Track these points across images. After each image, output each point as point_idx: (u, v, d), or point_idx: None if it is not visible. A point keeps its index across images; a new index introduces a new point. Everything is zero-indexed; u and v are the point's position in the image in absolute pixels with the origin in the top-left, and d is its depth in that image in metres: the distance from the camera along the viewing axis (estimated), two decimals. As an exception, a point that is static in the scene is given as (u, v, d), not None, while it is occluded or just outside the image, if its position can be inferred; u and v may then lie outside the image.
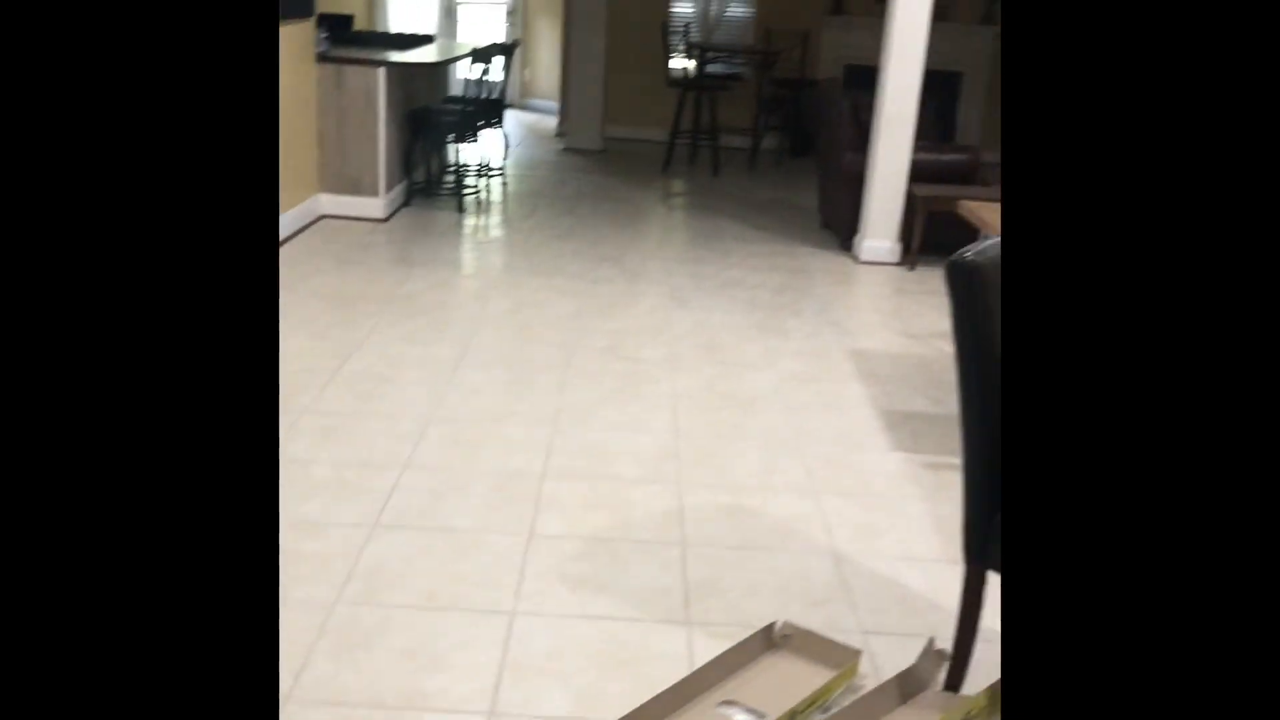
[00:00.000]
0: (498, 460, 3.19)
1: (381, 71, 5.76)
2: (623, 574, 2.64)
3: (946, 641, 2.42)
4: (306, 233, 5.59)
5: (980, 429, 2.09)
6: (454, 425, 3.41)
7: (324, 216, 5.92)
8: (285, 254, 5.17)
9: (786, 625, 2.40)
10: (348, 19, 7.60)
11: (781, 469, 3.28)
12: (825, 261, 5.81)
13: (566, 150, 8.71)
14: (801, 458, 3.37)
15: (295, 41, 5.42)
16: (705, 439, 3.45)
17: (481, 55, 6.31)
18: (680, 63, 9.11)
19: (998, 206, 4.27)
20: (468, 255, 5.45)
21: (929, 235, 5.79)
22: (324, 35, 5.96)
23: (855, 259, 5.87)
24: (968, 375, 2.09)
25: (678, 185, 7.67)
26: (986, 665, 2.36)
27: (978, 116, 9.72)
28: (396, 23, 10.88)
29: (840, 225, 6.18)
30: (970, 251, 2.09)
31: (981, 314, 2.05)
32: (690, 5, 9.43)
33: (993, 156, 9.55)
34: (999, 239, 2.20)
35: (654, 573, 2.65)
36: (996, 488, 2.11)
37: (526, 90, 11.14)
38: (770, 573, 2.69)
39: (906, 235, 5.84)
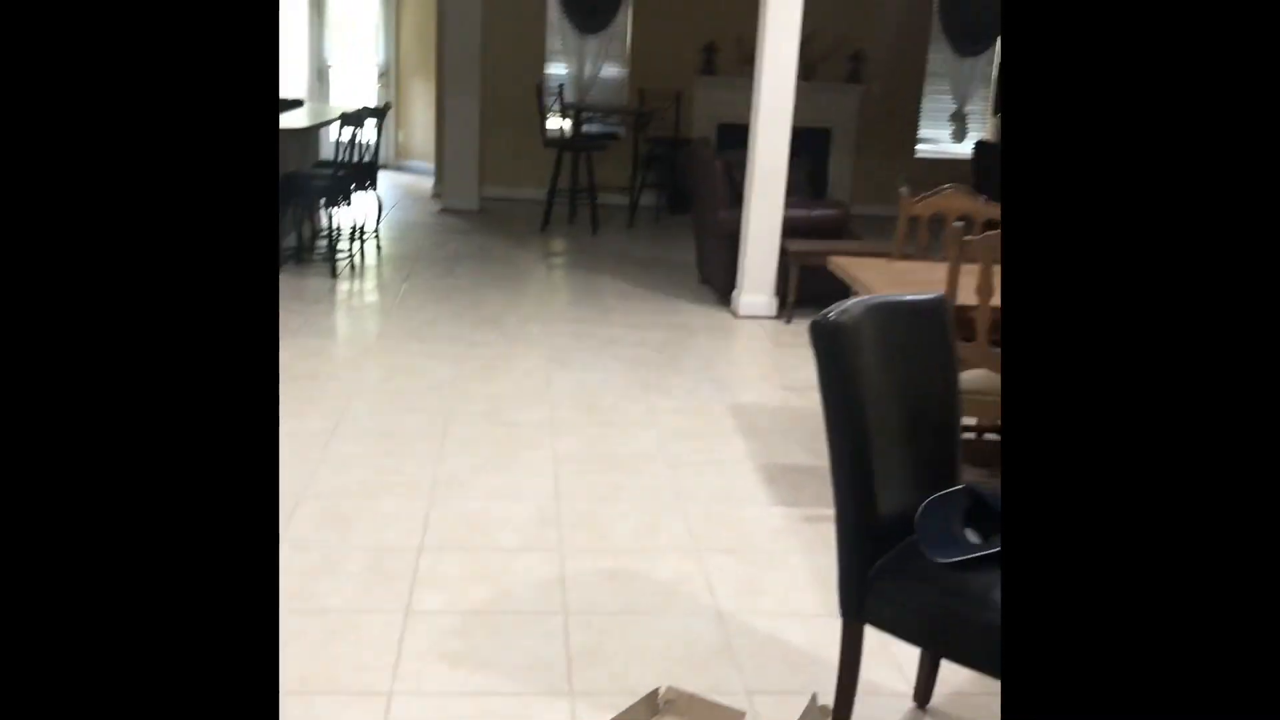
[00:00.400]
0: (372, 536, 3.10)
1: (248, 137, 5.64)
2: (504, 647, 2.58)
3: (829, 696, 2.42)
4: (172, 303, 5.40)
5: (851, 485, 2.12)
6: (326, 501, 3.31)
7: (191, 286, 5.74)
8: (149, 326, 4.99)
9: (670, 690, 2.37)
10: (214, 84, 7.46)
11: (664, 529, 3.27)
12: (704, 317, 5.88)
13: (443, 211, 8.67)
14: (684, 516, 3.37)
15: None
16: (586, 502, 3.42)
17: (352, 119, 6.25)
18: (556, 122, 9.19)
19: (866, 262, 4.39)
20: (340, 322, 5.35)
21: (804, 288, 5.91)
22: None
23: (734, 314, 5.96)
24: (836, 432, 2.12)
25: (557, 244, 7.69)
26: (868, 719, 2.38)
27: (848, 171, 10.04)
28: (266, 86, 10.72)
29: (718, 281, 6.27)
30: (833, 311, 2.13)
31: (847, 371, 2.09)
32: (564, 66, 9.54)
33: (861, 210, 9.85)
34: (866, 296, 2.25)
35: (536, 644, 2.60)
36: (868, 543, 2.14)
37: (402, 152, 11.07)
38: (654, 636, 2.67)
39: (782, 289, 5.96)
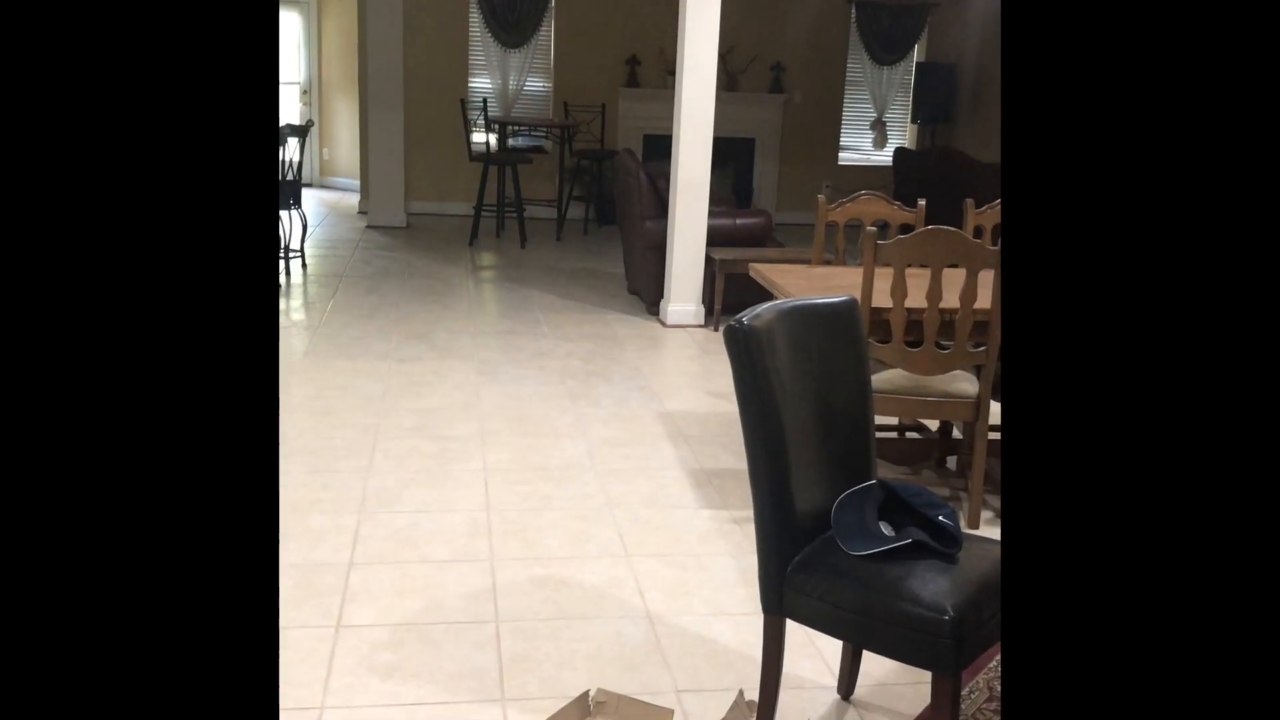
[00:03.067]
0: (302, 553, 3.10)
1: (167, 157, 5.59)
2: (435, 658, 2.60)
3: (755, 692, 2.49)
4: (92, 327, 5.32)
5: (767, 483, 2.19)
6: (255, 519, 3.29)
7: (111, 309, 5.66)
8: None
9: (600, 692, 2.41)
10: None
11: (594, 536, 3.31)
12: (633, 327, 5.94)
13: (369, 228, 8.63)
14: (613, 523, 3.41)
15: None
16: (517, 513, 3.45)
17: (274, 137, 6.21)
18: (481, 137, 9.20)
19: (786, 268, 4.48)
20: (268, 341, 5.31)
21: (730, 296, 6.00)
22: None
23: (662, 323, 6.03)
24: (752, 432, 2.19)
25: (485, 258, 7.70)
26: (792, 712, 2.44)
27: (772, 180, 10.19)
28: (186, 105, 10.58)
29: (645, 291, 6.34)
30: (746, 316, 2.20)
31: (760, 373, 2.15)
32: (487, 80, 9.55)
33: (785, 218, 10.01)
34: (779, 300, 2.32)
35: (467, 653, 2.63)
36: (786, 539, 2.20)
37: (326, 169, 10.99)
38: (585, 641, 2.71)
39: (709, 297, 6.04)
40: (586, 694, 2.40)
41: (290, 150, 6.86)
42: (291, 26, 10.71)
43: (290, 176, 6.76)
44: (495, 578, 3.01)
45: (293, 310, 5.93)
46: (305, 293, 6.34)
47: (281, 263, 6.99)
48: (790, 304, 2.30)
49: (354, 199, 10.06)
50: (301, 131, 6.60)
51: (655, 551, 3.23)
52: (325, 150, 10.96)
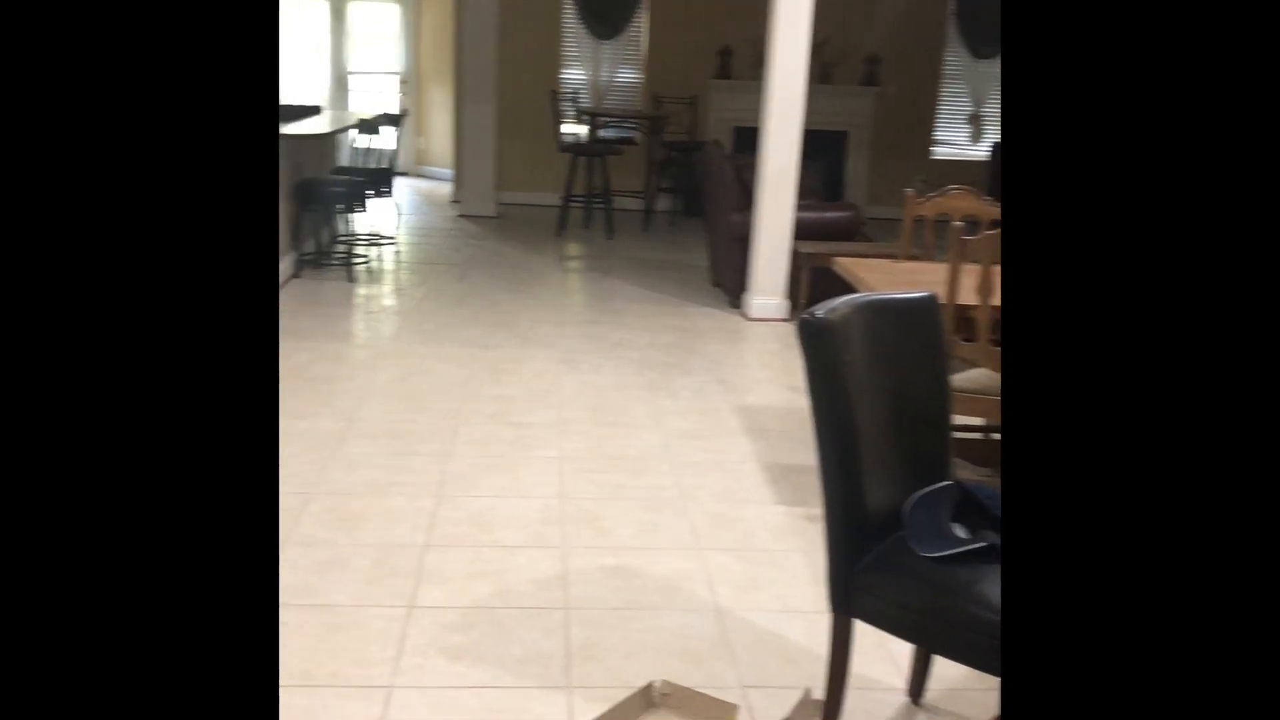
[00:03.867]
0: (379, 533, 3.16)
1: (265, 144, 5.73)
2: (504, 642, 2.62)
3: (823, 691, 2.45)
4: (190, 308, 5.49)
5: (838, 480, 2.15)
6: (336, 499, 3.37)
7: (210, 291, 5.83)
8: (167, 330, 5.08)
9: (665, 684, 2.41)
10: (234, 92, 7.56)
11: (665, 527, 3.31)
12: (715, 320, 5.91)
13: (461, 217, 8.75)
14: (686, 515, 3.40)
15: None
16: (590, 502, 3.47)
17: (369, 125, 6.33)
18: (572, 128, 9.25)
19: (873, 262, 4.41)
20: (356, 325, 5.42)
21: (816, 290, 5.94)
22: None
23: (744, 316, 5.99)
24: (823, 427, 2.16)
25: (571, 249, 7.75)
26: (859, 713, 2.41)
27: (864, 174, 10.05)
28: (287, 94, 10.85)
29: (729, 283, 6.31)
30: (821, 309, 2.16)
31: (832, 367, 2.12)
32: (580, 72, 9.60)
33: (877, 212, 9.86)
34: (856, 294, 2.28)
35: (535, 638, 2.65)
36: (856, 538, 2.17)
37: (421, 158, 11.17)
38: (652, 632, 2.71)
39: (794, 291, 5.98)
40: (651, 685, 2.40)
41: (385, 138, 6.99)
42: (391, 18, 10.90)
43: (384, 165, 6.89)
44: (566, 565, 3.03)
45: (383, 296, 6.04)
46: (396, 279, 6.46)
47: (374, 249, 7.13)
48: (867, 298, 2.26)
49: (448, 188, 10.21)
50: (396, 120, 6.72)
51: (727, 545, 3.21)
52: (421, 139, 11.14)
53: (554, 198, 9.61)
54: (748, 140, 9.50)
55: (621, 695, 2.43)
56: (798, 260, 5.91)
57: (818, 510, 3.48)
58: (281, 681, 2.41)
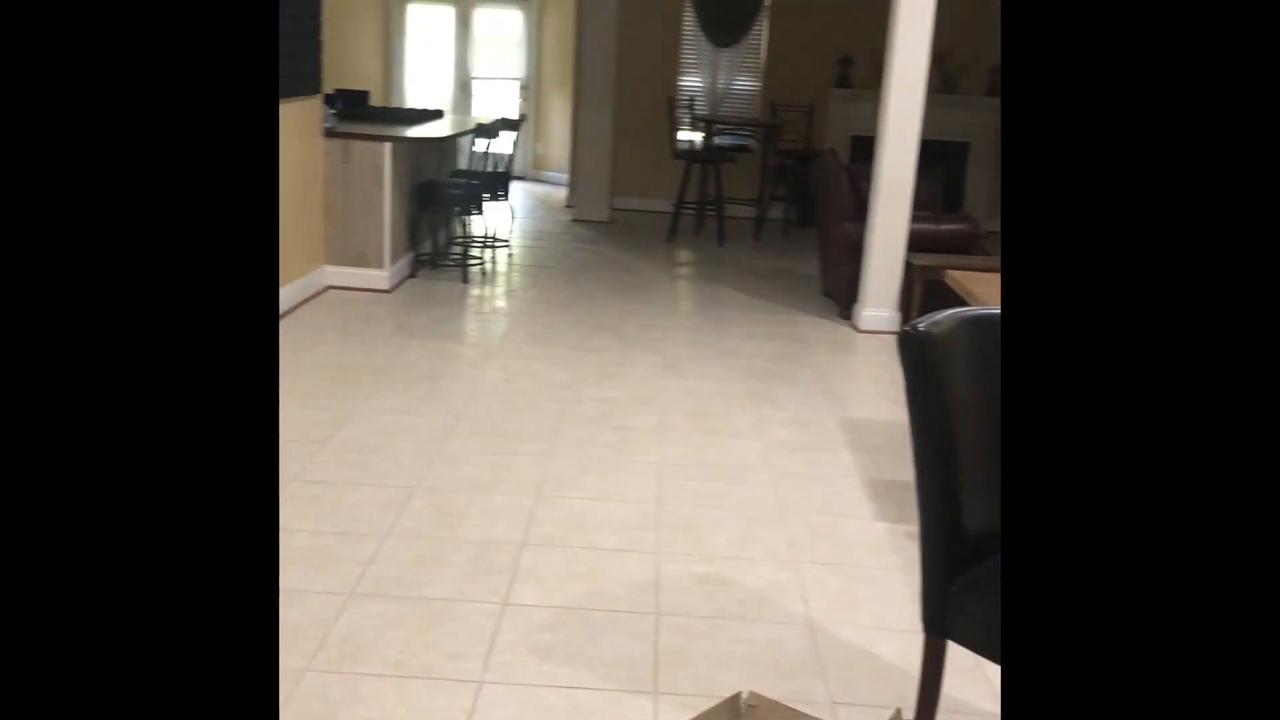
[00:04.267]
0: (479, 530, 3.21)
1: (387, 146, 5.90)
2: (594, 644, 2.64)
3: (913, 712, 2.40)
4: (311, 304, 5.68)
5: (934, 497, 2.10)
6: (439, 495, 3.44)
7: (330, 288, 6.03)
8: (288, 325, 5.26)
9: (752, 695, 2.39)
10: (363, 95, 7.82)
11: (762, 538, 3.28)
12: (824, 330, 5.85)
13: (574, 221, 8.84)
14: (783, 527, 3.37)
15: (303, 117, 5.57)
16: (687, 508, 3.46)
17: (487, 130, 6.46)
18: (687, 135, 9.27)
19: (986, 277, 4.30)
20: (467, 325, 5.53)
21: (928, 303, 5.81)
22: (332, 111, 6.13)
23: (854, 327, 5.91)
24: (922, 445, 2.11)
25: (682, 255, 7.76)
26: (953, 738, 2.35)
27: (986, 187, 9.81)
28: (413, 98, 11.15)
29: (840, 294, 6.23)
30: (923, 322, 2.12)
31: (933, 382, 2.07)
32: (697, 79, 9.61)
33: (995, 225, 9.60)
34: (962, 308, 2.23)
35: (625, 642, 2.65)
36: (952, 558, 2.11)
37: (539, 163, 11.34)
38: (742, 643, 2.69)
39: (906, 303, 5.87)
40: (738, 695, 2.38)
41: (502, 143, 7.12)
42: (514, 24, 11.10)
43: (501, 169, 7.02)
44: (659, 571, 3.03)
45: (494, 297, 6.15)
46: (508, 281, 6.56)
47: (488, 251, 7.27)
48: (973, 312, 2.20)
49: (563, 193, 10.34)
50: (514, 125, 6.84)
51: (823, 559, 3.17)
52: (539, 145, 11.31)
53: (666, 204, 9.64)
54: (865, 150, 9.36)
55: (707, 704, 2.41)
56: (911, 272, 5.80)
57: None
58: (375, 671, 2.47)
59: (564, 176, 10.73)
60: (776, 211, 9.46)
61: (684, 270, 7.26)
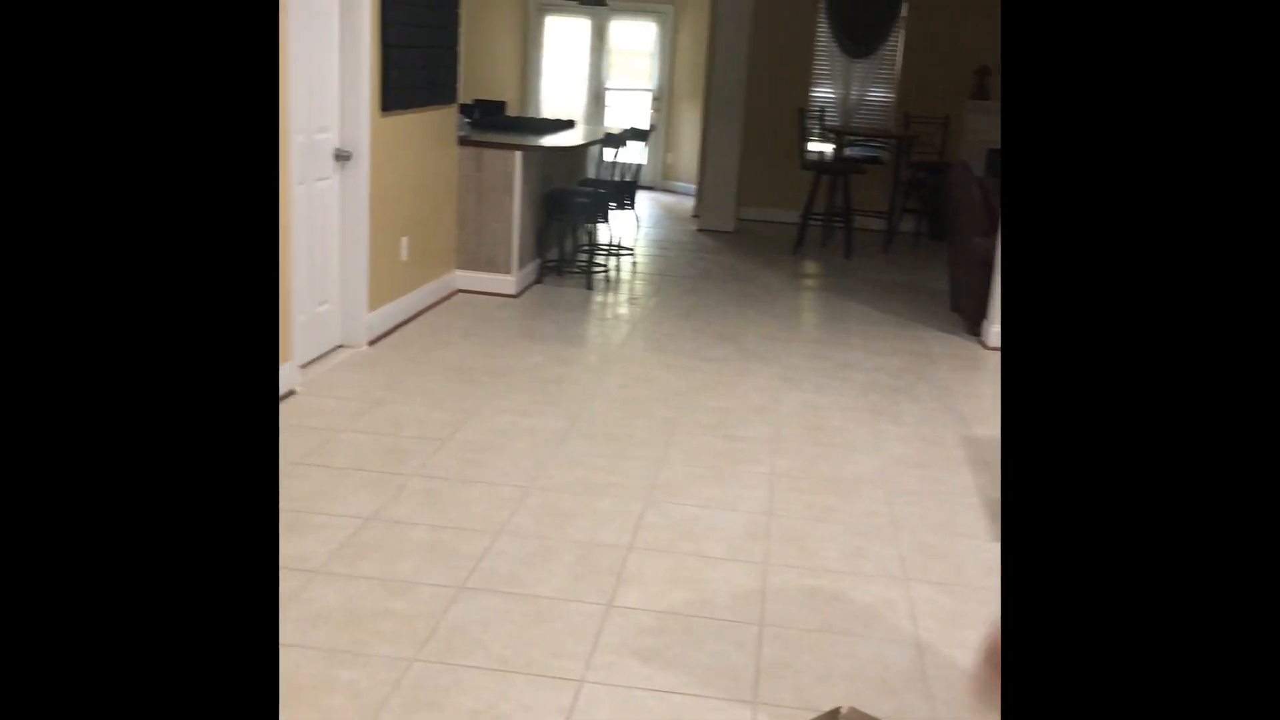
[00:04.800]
0: (588, 531, 3.25)
1: (518, 155, 6.04)
2: (695, 650, 2.64)
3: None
4: (440, 306, 5.85)
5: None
6: (551, 495, 3.49)
7: (459, 291, 6.19)
8: (417, 326, 5.43)
9: (852, 711, 2.35)
10: (500, 105, 8.01)
11: (873, 554, 3.23)
12: (951, 346, 5.72)
13: (700, 231, 8.87)
14: (896, 544, 3.31)
15: (439, 126, 5.75)
16: (798, 520, 3.43)
17: (615, 140, 6.54)
18: (816, 145, 9.19)
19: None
20: (589, 331, 5.60)
21: (1060, 322, 5.62)
22: (467, 120, 6.30)
23: (983, 344, 5.76)
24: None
25: (808, 266, 7.69)
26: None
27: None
28: (548, 108, 11.37)
29: (969, 310, 6.08)
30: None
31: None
32: (829, 90, 9.53)
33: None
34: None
35: (727, 651, 2.65)
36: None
37: (669, 173, 11.41)
38: (847, 658, 2.65)
39: (1036, 321, 5.69)
40: (838, 710, 2.35)
41: (630, 153, 7.19)
42: (648, 36, 11.21)
43: (628, 178, 7.09)
44: (765, 581, 3.01)
45: (617, 304, 6.21)
46: (631, 288, 6.63)
47: (613, 259, 7.35)
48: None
49: (691, 202, 10.38)
50: (642, 135, 6.91)
51: (935, 578, 3.10)
52: (669, 155, 11.39)
53: (793, 215, 9.58)
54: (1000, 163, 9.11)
55: (807, 717, 2.39)
56: (1043, 289, 5.62)
57: (1038, 551, 3.30)
58: (480, 664, 2.52)
59: (692, 187, 10.77)
60: (907, 224, 9.29)
61: (809, 282, 7.19)
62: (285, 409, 4.10)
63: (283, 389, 4.21)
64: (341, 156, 4.74)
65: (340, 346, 4.95)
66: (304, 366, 4.56)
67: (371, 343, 5.03)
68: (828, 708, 2.43)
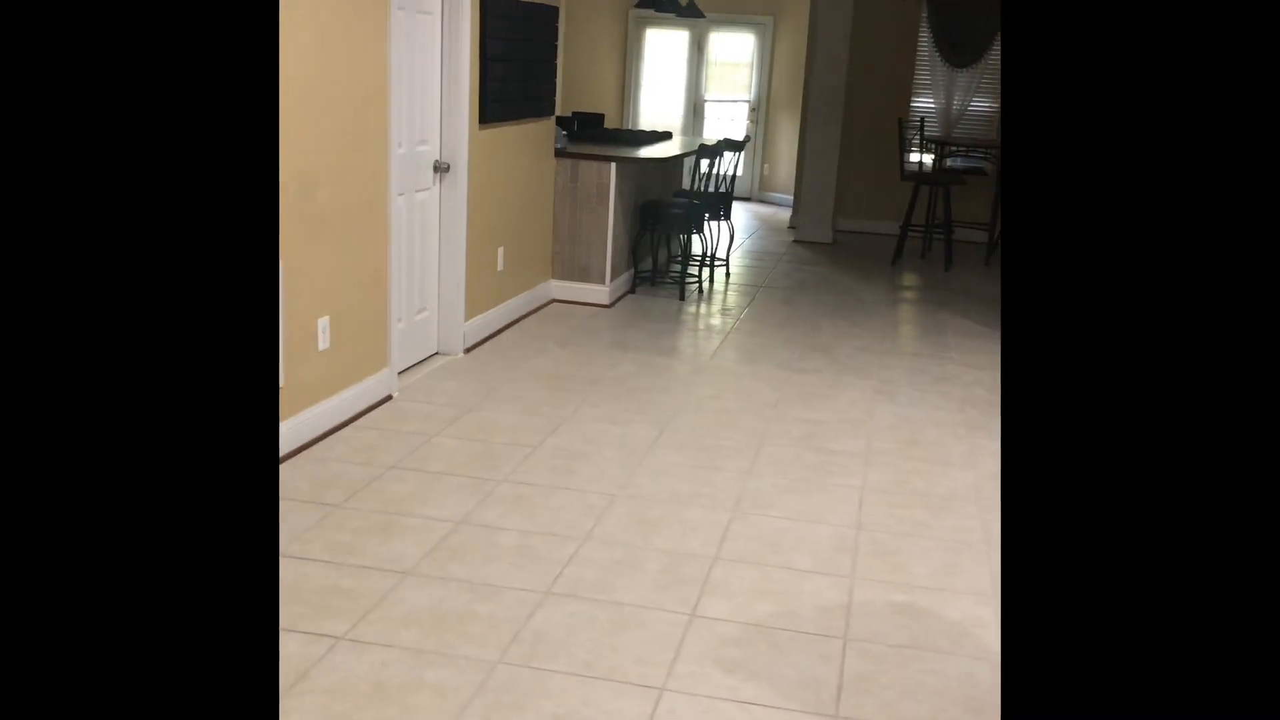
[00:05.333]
0: (674, 540, 3.26)
1: (613, 166, 6.09)
2: (779, 662, 2.62)
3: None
4: (535, 316, 5.93)
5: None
6: (638, 503, 3.51)
7: (554, 301, 6.27)
8: (512, 335, 5.52)
9: (937, 731, 2.31)
10: (599, 117, 8.10)
11: (964, 571, 3.16)
12: (1051, 361, 5.56)
13: (796, 243, 8.81)
14: (988, 561, 3.23)
15: (537, 137, 5.84)
16: (888, 535, 3.38)
17: (710, 151, 6.55)
18: (916, 156, 9.06)
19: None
20: (681, 342, 5.61)
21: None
22: (564, 132, 6.39)
23: (1085, 359, 5.59)
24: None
25: (906, 279, 7.58)
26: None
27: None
28: (646, 120, 11.44)
29: (1071, 324, 5.91)
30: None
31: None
32: (929, 100, 9.39)
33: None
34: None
35: (811, 664, 2.62)
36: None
37: (765, 184, 11.37)
38: (933, 675, 2.60)
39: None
40: (922, 729, 2.31)
41: (725, 163, 7.19)
42: (746, 47, 11.21)
43: (723, 189, 7.09)
44: (852, 595, 2.97)
45: (710, 315, 6.21)
46: (724, 299, 6.62)
47: (706, 270, 7.36)
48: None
49: (787, 214, 10.33)
50: (737, 146, 6.90)
51: (1029, 597, 3.02)
52: (766, 166, 11.35)
53: (891, 226, 9.45)
54: (1110, 173, 8.85)
55: (890, 734, 2.35)
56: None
57: (1139, 573, 3.19)
58: (563, 669, 2.55)
59: (789, 198, 10.71)
60: (1010, 236, 9.07)
61: (907, 294, 7.09)
62: (382, 413, 4.20)
63: (381, 394, 4.32)
64: (440, 168, 4.85)
65: (437, 354, 5.06)
66: (402, 373, 4.67)
67: (467, 350, 5.13)
68: (912, 726, 2.39)
